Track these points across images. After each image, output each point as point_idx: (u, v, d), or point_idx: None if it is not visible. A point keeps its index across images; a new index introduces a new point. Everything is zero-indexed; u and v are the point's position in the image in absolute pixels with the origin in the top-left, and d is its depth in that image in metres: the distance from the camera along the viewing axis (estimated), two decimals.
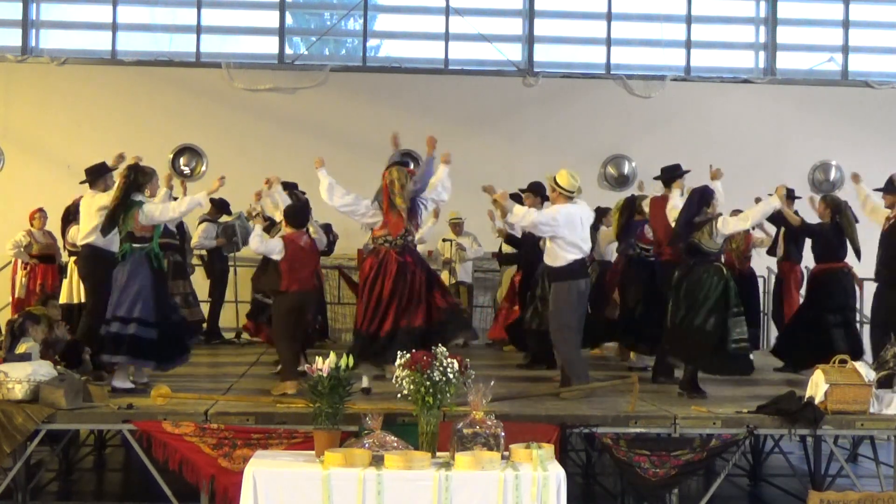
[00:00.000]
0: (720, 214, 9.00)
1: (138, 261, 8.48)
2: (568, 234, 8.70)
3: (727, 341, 8.62)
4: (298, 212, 9.05)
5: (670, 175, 10.16)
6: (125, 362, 8.45)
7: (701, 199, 8.98)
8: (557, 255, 8.77)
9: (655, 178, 10.37)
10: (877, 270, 9.62)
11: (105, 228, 8.64)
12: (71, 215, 11.39)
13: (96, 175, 9.33)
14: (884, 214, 9.64)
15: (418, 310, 8.34)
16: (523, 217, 8.84)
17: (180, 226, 11.84)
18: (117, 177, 8.91)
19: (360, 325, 8.42)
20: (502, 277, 13.08)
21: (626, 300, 10.62)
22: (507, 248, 12.34)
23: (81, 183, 9.61)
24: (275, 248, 8.73)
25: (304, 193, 10.54)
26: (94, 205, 9.04)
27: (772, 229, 11.48)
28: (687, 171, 10.25)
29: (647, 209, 10.37)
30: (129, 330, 8.33)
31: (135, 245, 8.51)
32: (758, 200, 10.70)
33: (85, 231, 9.18)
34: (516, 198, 11.48)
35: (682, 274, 8.88)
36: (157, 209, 8.60)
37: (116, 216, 8.52)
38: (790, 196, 10.76)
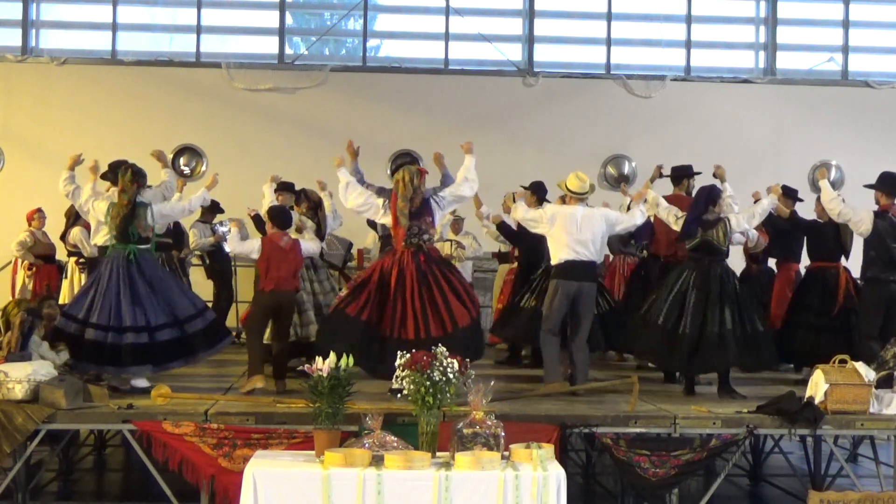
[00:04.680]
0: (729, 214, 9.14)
1: (152, 263, 8.67)
2: (557, 233, 8.79)
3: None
4: (281, 212, 9.03)
5: (679, 174, 10.18)
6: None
7: (708, 198, 9.02)
8: (552, 254, 8.95)
9: (664, 177, 10.40)
10: (863, 269, 9.56)
11: (120, 234, 8.64)
12: (74, 216, 11.40)
13: (116, 172, 9.30)
14: (867, 217, 9.48)
15: (410, 322, 8.32)
16: (515, 211, 9.10)
17: (177, 226, 11.84)
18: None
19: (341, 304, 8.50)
20: (496, 278, 13.06)
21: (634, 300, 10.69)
22: (503, 247, 12.37)
23: (102, 178, 9.62)
24: (252, 248, 8.77)
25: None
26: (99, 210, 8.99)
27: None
28: (698, 173, 10.28)
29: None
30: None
31: (140, 247, 8.61)
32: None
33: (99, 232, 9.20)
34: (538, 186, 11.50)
35: (700, 274, 8.90)
36: (167, 207, 8.89)
37: (128, 221, 8.56)
38: (793, 196, 10.75)
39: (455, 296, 8.48)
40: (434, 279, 8.47)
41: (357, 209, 8.86)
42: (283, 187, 10.67)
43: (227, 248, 8.81)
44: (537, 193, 10.68)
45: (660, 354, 9.06)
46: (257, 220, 10.12)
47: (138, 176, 8.70)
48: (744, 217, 9.15)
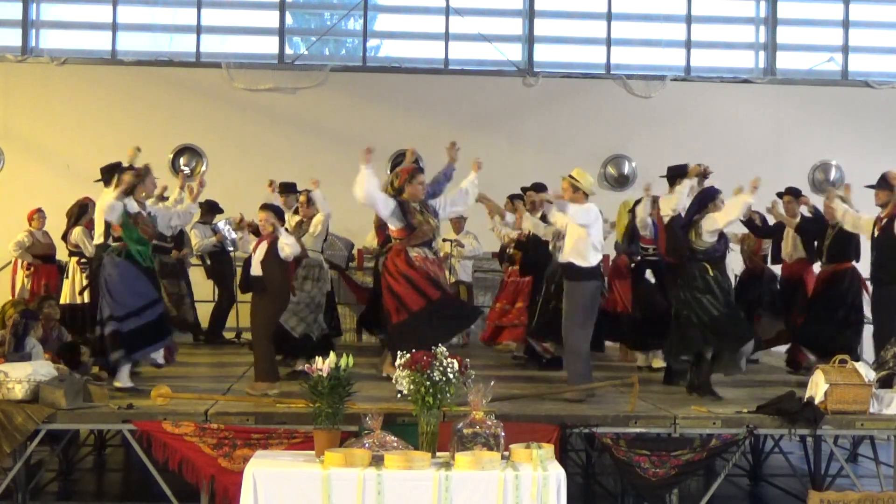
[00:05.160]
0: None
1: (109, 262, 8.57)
2: (596, 233, 8.69)
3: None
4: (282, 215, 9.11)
5: (674, 174, 10.17)
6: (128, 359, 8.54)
7: (702, 199, 9.00)
8: (586, 255, 8.60)
9: (661, 177, 10.38)
10: (873, 272, 9.57)
11: (106, 232, 8.66)
12: (75, 216, 11.40)
13: (109, 174, 9.29)
14: (868, 224, 9.51)
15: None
16: (558, 217, 8.73)
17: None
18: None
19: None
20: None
21: (636, 301, 10.69)
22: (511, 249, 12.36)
23: (97, 182, 9.60)
24: (298, 249, 8.79)
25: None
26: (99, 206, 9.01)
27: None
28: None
29: (639, 212, 10.39)
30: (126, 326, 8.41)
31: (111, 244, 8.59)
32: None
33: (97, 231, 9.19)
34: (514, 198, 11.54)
35: (677, 274, 8.95)
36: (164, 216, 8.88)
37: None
38: (795, 194, 10.76)
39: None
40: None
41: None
42: (286, 189, 10.66)
43: (290, 251, 8.60)
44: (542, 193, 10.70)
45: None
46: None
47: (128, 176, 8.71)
48: (721, 216, 9.06)
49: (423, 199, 8.64)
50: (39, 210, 12.76)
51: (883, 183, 9.41)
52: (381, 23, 17.40)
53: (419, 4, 16.88)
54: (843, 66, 16.87)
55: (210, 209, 12.87)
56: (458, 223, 13.53)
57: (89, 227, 10.99)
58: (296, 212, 10.38)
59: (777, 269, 11.38)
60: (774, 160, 15.78)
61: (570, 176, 8.69)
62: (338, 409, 6.26)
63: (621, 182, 16.18)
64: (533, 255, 10.74)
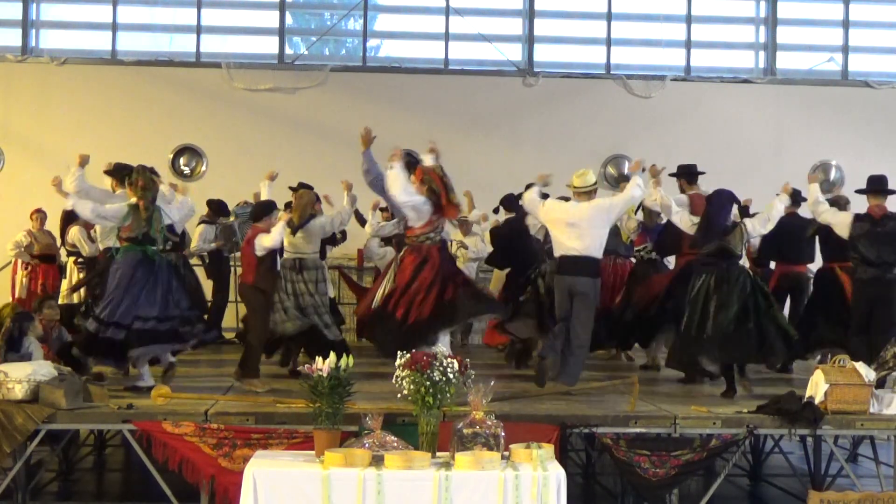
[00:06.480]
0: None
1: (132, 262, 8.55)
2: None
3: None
4: (268, 208, 9.09)
5: (684, 172, 10.18)
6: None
7: (729, 203, 9.02)
8: (601, 250, 8.76)
9: (671, 175, 10.39)
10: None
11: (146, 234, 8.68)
12: (71, 216, 11.39)
13: (121, 174, 9.26)
14: (845, 220, 9.45)
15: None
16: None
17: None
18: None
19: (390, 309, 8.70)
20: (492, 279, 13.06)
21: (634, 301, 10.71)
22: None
23: (105, 172, 9.61)
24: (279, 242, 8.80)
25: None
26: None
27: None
28: (702, 173, 10.27)
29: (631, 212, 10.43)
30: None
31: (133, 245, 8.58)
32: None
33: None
34: (509, 199, 11.54)
35: (719, 277, 8.87)
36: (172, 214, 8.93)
37: (153, 220, 8.59)
38: (796, 198, 10.76)
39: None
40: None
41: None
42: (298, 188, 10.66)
43: (270, 243, 8.68)
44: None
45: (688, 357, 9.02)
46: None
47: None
48: (759, 221, 9.13)
49: None
50: (38, 210, 12.75)
51: (880, 187, 9.36)
52: (381, 23, 17.42)
53: (419, 4, 16.89)
54: (843, 66, 16.88)
55: (217, 209, 12.80)
56: (465, 225, 13.48)
57: (87, 226, 11.01)
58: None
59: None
60: (774, 160, 15.80)
61: (573, 183, 8.89)
62: (338, 409, 6.26)
63: (621, 182, 16.18)
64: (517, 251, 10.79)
